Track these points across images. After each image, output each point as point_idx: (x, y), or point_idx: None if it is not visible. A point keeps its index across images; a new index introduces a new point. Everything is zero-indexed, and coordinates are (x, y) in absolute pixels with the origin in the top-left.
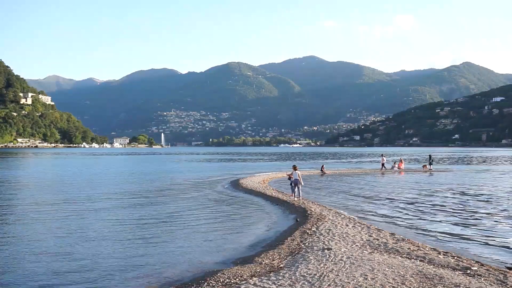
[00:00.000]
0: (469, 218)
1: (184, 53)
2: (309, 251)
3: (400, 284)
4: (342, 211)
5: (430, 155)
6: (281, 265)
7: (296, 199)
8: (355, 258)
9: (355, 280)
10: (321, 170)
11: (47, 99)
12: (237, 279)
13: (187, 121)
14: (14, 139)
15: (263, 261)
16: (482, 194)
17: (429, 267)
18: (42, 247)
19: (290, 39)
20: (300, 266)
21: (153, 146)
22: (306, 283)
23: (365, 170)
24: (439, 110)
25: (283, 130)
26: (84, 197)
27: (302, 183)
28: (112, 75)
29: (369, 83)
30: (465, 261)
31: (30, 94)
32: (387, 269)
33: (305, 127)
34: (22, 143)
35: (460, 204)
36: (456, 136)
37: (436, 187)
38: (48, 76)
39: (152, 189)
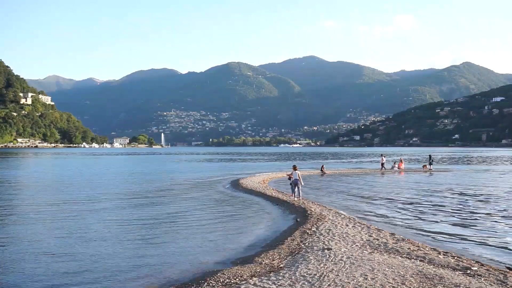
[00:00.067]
0: (469, 218)
1: (184, 53)
2: (309, 251)
3: (400, 284)
4: (342, 211)
5: (430, 155)
6: (281, 265)
7: (296, 199)
8: (355, 258)
9: (355, 280)
10: (321, 170)
11: (47, 99)
12: (237, 279)
13: (187, 121)
14: (14, 139)
15: (263, 261)
16: (482, 194)
17: (429, 267)
18: (42, 248)
19: (290, 39)
20: (300, 266)
21: (153, 146)
22: (306, 283)
23: (365, 170)
24: (439, 110)
25: (283, 130)
26: (84, 197)
27: (302, 183)
28: (112, 75)
29: (369, 83)
30: (465, 261)
31: (30, 94)
32: (387, 269)
33: (305, 127)
34: (22, 143)
35: (460, 204)
36: (456, 136)
37: (436, 187)
38: (48, 76)
39: (152, 189)
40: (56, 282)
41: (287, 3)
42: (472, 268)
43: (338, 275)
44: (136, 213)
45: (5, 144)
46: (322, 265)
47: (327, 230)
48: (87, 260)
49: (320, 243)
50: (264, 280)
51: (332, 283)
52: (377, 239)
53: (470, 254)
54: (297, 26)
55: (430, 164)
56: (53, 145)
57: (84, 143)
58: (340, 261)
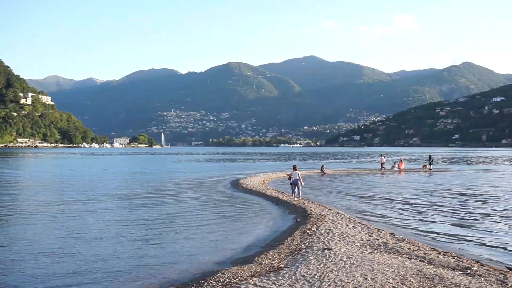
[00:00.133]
0: (469, 218)
1: (184, 53)
2: (309, 251)
3: (400, 284)
4: (342, 211)
5: (430, 155)
6: (281, 265)
7: (296, 199)
8: (355, 258)
9: (355, 280)
10: (321, 170)
11: (47, 99)
12: (237, 279)
13: (187, 121)
14: (14, 139)
15: (263, 261)
16: (481, 194)
17: (429, 267)
18: (43, 248)
19: (290, 39)
20: (300, 266)
21: (153, 146)
22: (306, 283)
23: (365, 170)
24: (439, 110)
25: (283, 130)
26: (84, 197)
27: (302, 183)
28: (112, 75)
29: (369, 83)
30: (465, 261)
31: (30, 94)
32: (387, 269)
33: (305, 127)
34: (22, 143)
35: (460, 204)
36: (456, 136)
37: (435, 187)
38: (48, 76)
39: (152, 189)
40: (56, 282)
41: (287, 3)
42: (472, 268)
43: (338, 275)
44: (136, 213)
45: (5, 144)
46: (322, 265)
47: (327, 230)
48: (87, 260)
49: (320, 243)
50: (264, 280)
51: (332, 283)
52: (377, 239)
53: (470, 254)
54: (297, 26)
55: (430, 164)
56: (53, 145)
57: (84, 143)
58: (340, 261)
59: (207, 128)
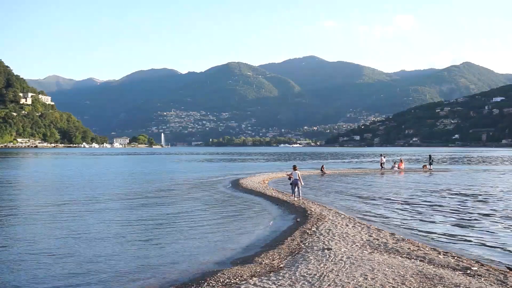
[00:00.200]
0: (469, 218)
1: (184, 53)
2: (309, 251)
3: (400, 284)
4: (342, 211)
5: (430, 155)
6: (281, 265)
7: (296, 199)
8: (355, 258)
9: (355, 280)
10: (321, 170)
11: (47, 99)
12: (237, 279)
13: (187, 121)
14: (14, 139)
15: (263, 261)
16: (481, 194)
17: (429, 267)
18: (43, 248)
19: (290, 39)
20: (300, 266)
21: (153, 146)
22: (306, 283)
23: (365, 170)
24: (439, 110)
25: (283, 130)
26: (84, 197)
27: (302, 183)
28: (112, 75)
29: (369, 83)
30: (465, 261)
31: (30, 94)
32: (387, 269)
33: (305, 127)
34: (22, 143)
35: (460, 204)
36: (456, 136)
37: (435, 187)
38: (48, 76)
39: (152, 189)
40: (56, 282)
41: (287, 3)
42: (472, 268)
43: (338, 275)
44: (136, 213)
45: (5, 144)
46: (322, 265)
47: (327, 230)
48: (87, 260)
49: (320, 243)
50: (264, 280)
51: (332, 283)
52: (377, 239)
53: (469, 254)
54: (297, 26)
55: (430, 164)
56: (53, 145)
57: (84, 143)
58: (340, 261)
59: (207, 128)
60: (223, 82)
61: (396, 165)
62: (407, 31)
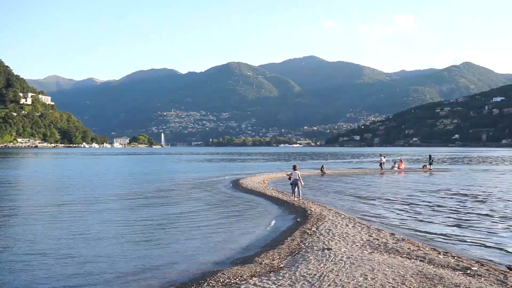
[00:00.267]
0: (469, 218)
1: (184, 53)
2: (309, 251)
3: (400, 284)
4: (342, 211)
5: (430, 155)
6: (281, 265)
7: (296, 199)
8: (355, 258)
9: (355, 280)
10: (321, 170)
11: (47, 99)
12: (237, 279)
13: (187, 121)
14: (14, 139)
15: (263, 261)
16: (481, 194)
17: (429, 267)
18: (42, 249)
19: (290, 39)
20: (300, 266)
21: (153, 146)
22: (306, 283)
23: (365, 170)
24: (439, 110)
25: (283, 130)
26: (84, 198)
27: (302, 183)
28: (112, 75)
29: (369, 83)
30: (465, 261)
31: (30, 94)
32: (387, 269)
33: (305, 127)
34: (22, 143)
35: (460, 204)
36: (456, 136)
37: (435, 187)
38: (48, 76)
39: (152, 189)
40: (56, 283)
41: (287, 3)
42: (472, 268)
43: (338, 275)
44: (136, 213)
45: (5, 144)
46: (322, 265)
47: (327, 230)
48: (87, 261)
49: (320, 243)
50: (264, 280)
51: (332, 283)
52: (377, 239)
53: (469, 254)
54: (297, 26)
55: (430, 164)
56: (53, 145)
57: (84, 143)
58: (340, 261)
59: (207, 128)
60: (223, 82)
61: (396, 165)
62: (407, 31)
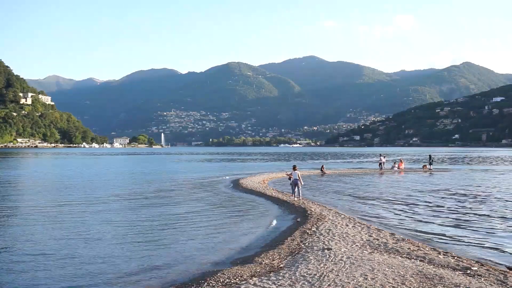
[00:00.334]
0: (468, 218)
1: (184, 53)
2: (309, 251)
3: (400, 284)
4: (342, 211)
5: (430, 155)
6: (281, 265)
7: (296, 199)
8: (355, 258)
9: (355, 280)
10: (321, 170)
11: (47, 99)
12: (237, 279)
13: (187, 121)
14: (14, 139)
15: (263, 261)
16: (481, 194)
17: (429, 267)
18: (42, 249)
19: (290, 39)
20: (300, 266)
21: (153, 146)
22: (306, 283)
23: (365, 170)
24: (439, 110)
25: (283, 130)
26: (84, 198)
27: (302, 183)
28: (112, 75)
29: (369, 83)
30: (465, 261)
31: (30, 94)
32: (387, 269)
33: (305, 127)
34: (22, 143)
35: (459, 204)
36: (456, 136)
37: (435, 187)
38: (48, 76)
39: (152, 190)
40: (56, 283)
41: (287, 3)
42: (472, 268)
43: (338, 275)
44: (136, 214)
45: (5, 144)
46: (322, 265)
47: (327, 230)
48: (87, 261)
49: (320, 243)
50: (264, 280)
51: (332, 283)
52: (377, 239)
53: (469, 254)
54: (297, 26)
55: (430, 164)
56: (53, 145)
57: (84, 143)
58: (340, 261)
59: (207, 128)
60: (223, 82)
61: (396, 165)
62: (407, 31)
